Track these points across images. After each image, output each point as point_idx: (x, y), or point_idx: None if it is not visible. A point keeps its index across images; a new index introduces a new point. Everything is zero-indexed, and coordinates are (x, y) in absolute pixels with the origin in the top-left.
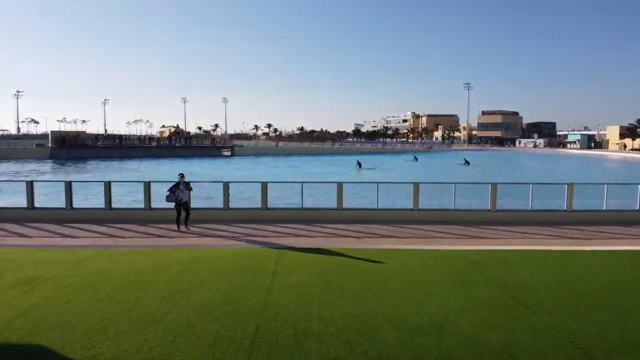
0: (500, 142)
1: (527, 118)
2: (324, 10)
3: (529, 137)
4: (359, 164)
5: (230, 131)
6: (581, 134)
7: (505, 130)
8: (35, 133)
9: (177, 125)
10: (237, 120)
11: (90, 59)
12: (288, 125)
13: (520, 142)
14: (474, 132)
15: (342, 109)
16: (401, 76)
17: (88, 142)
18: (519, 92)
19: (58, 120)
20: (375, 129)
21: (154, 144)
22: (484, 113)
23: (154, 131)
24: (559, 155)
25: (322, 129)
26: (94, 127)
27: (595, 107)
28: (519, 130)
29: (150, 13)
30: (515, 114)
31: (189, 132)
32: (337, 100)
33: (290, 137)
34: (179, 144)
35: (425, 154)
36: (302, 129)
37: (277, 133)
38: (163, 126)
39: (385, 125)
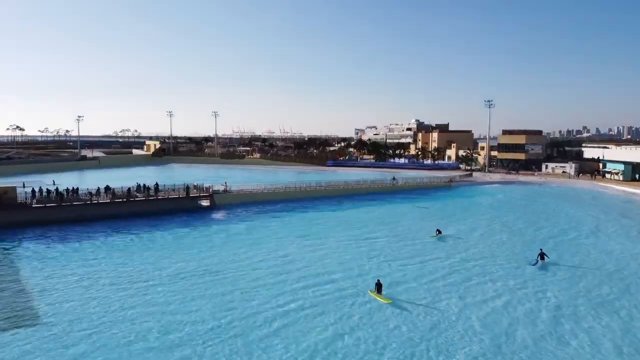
0: (525, 165)
1: (537, 124)
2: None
3: (551, 157)
4: (378, 287)
5: (227, 131)
6: (624, 163)
7: (529, 152)
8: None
9: (164, 141)
10: (235, 122)
11: (86, 59)
12: (286, 125)
13: (547, 167)
14: (492, 153)
15: (341, 110)
16: (402, 80)
17: (21, 200)
18: (520, 95)
19: (40, 131)
20: (377, 136)
21: (109, 196)
22: (505, 132)
23: (143, 134)
24: (619, 202)
25: (321, 138)
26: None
27: (602, 107)
28: (544, 151)
29: (149, 14)
30: (539, 132)
31: (176, 147)
32: (337, 100)
33: (287, 156)
34: (142, 196)
35: (444, 196)
36: (300, 146)
37: (274, 150)
38: (151, 138)
39: (389, 140)
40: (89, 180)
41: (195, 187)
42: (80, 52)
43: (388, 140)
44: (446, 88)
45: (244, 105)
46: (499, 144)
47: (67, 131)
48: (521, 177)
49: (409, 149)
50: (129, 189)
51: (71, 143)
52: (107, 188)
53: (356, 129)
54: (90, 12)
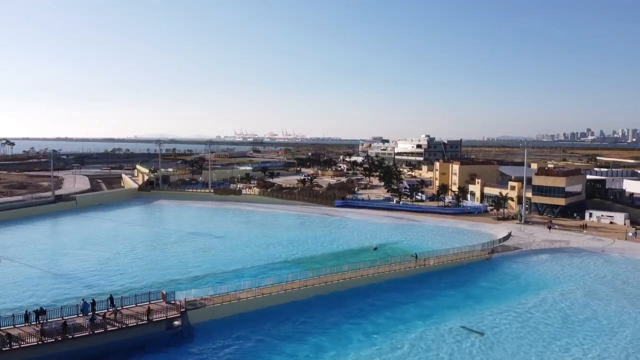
0: (563, 211)
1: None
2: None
3: (591, 197)
4: None
5: (229, 133)
6: None
7: (569, 197)
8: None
9: (153, 169)
10: (237, 124)
11: (91, 60)
12: (289, 127)
13: (591, 215)
14: (527, 194)
15: (344, 112)
16: (404, 80)
17: None
18: (524, 96)
19: (24, 151)
20: (384, 152)
21: (39, 329)
22: (540, 172)
23: (145, 136)
24: None
25: (324, 141)
26: (71, 147)
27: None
28: (583, 192)
29: (154, 16)
30: (577, 172)
31: (167, 177)
32: (339, 102)
33: (289, 193)
34: (85, 324)
35: (490, 289)
36: (303, 162)
37: (275, 187)
38: (141, 163)
39: (397, 157)
40: (62, 234)
41: (164, 296)
42: (84, 53)
43: (396, 157)
44: (450, 89)
45: (247, 106)
46: (533, 185)
47: (55, 150)
48: (571, 239)
49: (421, 169)
50: (65, 323)
51: (65, 157)
52: (41, 313)
53: (362, 141)
54: (92, 14)
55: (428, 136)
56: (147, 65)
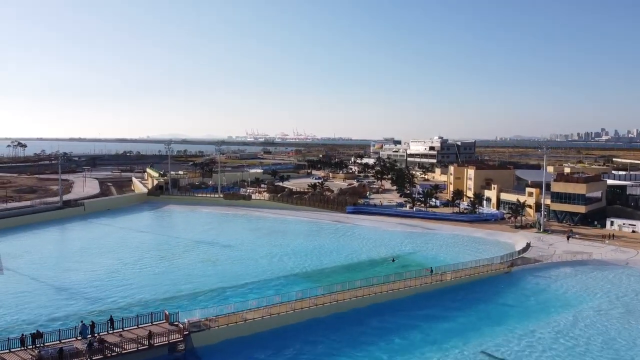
0: (583, 219)
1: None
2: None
3: (612, 203)
4: None
5: (241, 133)
6: None
7: (590, 204)
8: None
9: (163, 172)
10: (249, 123)
11: (103, 61)
12: (300, 127)
13: (612, 224)
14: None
15: (355, 111)
16: (411, 79)
17: None
18: (534, 95)
19: (35, 153)
20: (396, 154)
21: (35, 354)
22: (559, 178)
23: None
24: None
25: (335, 142)
26: (81, 149)
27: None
28: (603, 198)
29: (165, 18)
30: (598, 177)
31: (177, 181)
32: (348, 102)
33: (300, 198)
34: (83, 348)
35: (510, 306)
36: (314, 164)
37: (285, 192)
38: (151, 166)
39: (410, 159)
40: (68, 242)
41: (167, 317)
42: (96, 55)
43: (409, 159)
44: (461, 89)
45: (258, 106)
46: (552, 192)
47: (66, 154)
48: (593, 250)
49: (434, 172)
50: (61, 349)
51: (76, 158)
52: (37, 336)
53: (372, 141)
54: (102, 15)
55: (441, 138)
56: (159, 66)
